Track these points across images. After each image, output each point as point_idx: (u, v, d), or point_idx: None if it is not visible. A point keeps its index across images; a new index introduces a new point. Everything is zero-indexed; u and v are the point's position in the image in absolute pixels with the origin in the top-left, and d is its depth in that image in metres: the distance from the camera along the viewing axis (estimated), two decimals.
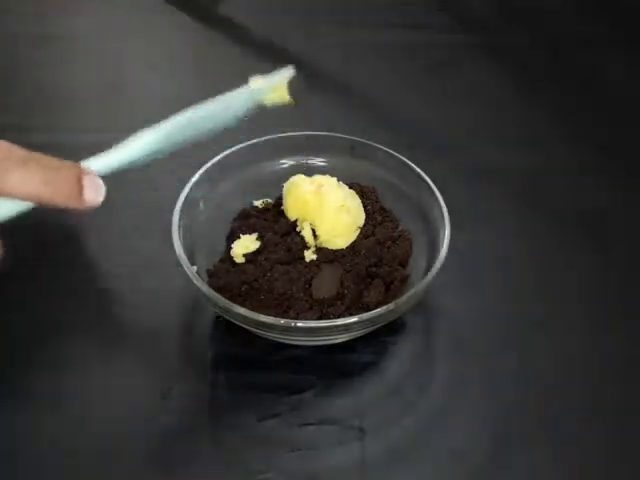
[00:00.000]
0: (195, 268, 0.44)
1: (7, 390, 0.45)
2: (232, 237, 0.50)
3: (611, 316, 0.50)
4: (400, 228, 0.51)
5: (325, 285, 0.46)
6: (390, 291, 0.46)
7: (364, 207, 0.50)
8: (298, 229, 0.49)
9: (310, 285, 0.46)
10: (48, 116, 0.64)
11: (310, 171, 0.52)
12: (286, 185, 0.50)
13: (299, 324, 0.42)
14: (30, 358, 0.46)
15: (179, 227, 0.46)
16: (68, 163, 0.37)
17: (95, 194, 0.37)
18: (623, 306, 0.51)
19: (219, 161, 0.51)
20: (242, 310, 0.42)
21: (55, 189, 0.36)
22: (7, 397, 0.44)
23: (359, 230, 0.49)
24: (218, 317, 0.44)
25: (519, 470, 0.42)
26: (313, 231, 0.48)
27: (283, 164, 0.53)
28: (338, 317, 0.44)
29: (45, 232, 0.52)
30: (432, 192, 0.49)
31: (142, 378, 0.45)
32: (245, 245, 0.48)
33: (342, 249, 0.48)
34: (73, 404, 0.44)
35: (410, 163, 0.51)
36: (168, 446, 0.43)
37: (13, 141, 0.36)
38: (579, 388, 0.46)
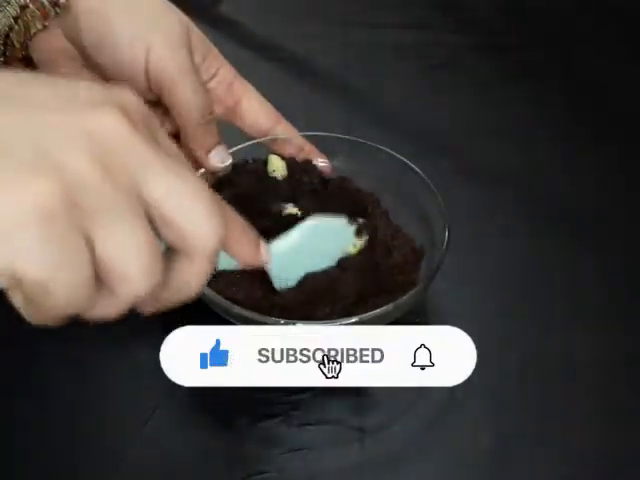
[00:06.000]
0: None
1: (7, 391, 0.45)
2: None
3: (612, 316, 0.50)
4: (401, 232, 0.50)
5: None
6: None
7: (365, 213, 0.50)
8: None
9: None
10: None
11: None
12: None
13: (299, 325, 0.42)
14: (28, 354, 0.46)
15: None
16: None
17: None
18: (624, 305, 0.51)
19: None
20: (242, 310, 0.42)
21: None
22: (7, 397, 0.44)
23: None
24: (219, 317, 0.44)
25: (519, 470, 0.42)
26: None
27: None
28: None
29: None
30: (432, 192, 0.49)
31: (142, 378, 0.45)
32: None
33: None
34: (69, 406, 0.44)
35: (410, 163, 0.51)
36: (168, 446, 0.43)
37: None
38: (579, 388, 0.46)
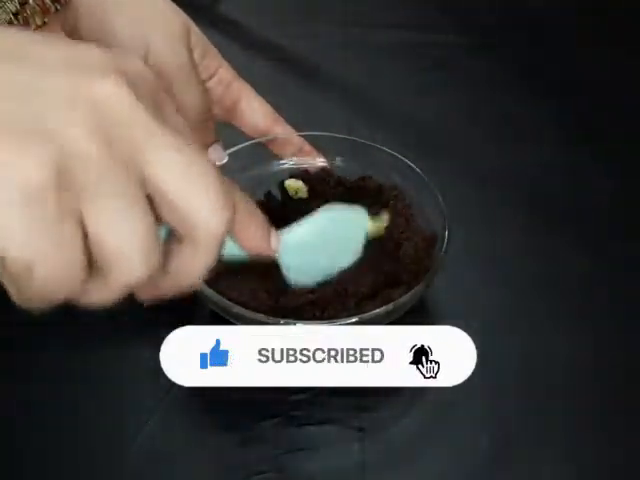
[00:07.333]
0: None
1: (8, 390, 0.45)
2: None
3: (612, 316, 0.50)
4: (411, 225, 0.50)
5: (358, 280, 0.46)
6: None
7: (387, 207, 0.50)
8: None
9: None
10: None
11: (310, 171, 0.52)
12: None
13: (299, 324, 0.42)
14: (28, 354, 0.46)
15: None
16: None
17: None
18: (624, 306, 0.51)
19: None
20: (241, 310, 0.42)
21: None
22: (7, 397, 0.44)
23: None
24: (219, 317, 0.44)
25: (519, 470, 0.42)
26: None
27: (283, 164, 0.53)
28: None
29: None
30: (432, 192, 0.49)
31: (142, 378, 0.45)
32: None
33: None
34: (69, 406, 0.44)
35: (410, 163, 0.51)
36: (168, 446, 0.43)
37: None
38: (579, 388, 0.46)
